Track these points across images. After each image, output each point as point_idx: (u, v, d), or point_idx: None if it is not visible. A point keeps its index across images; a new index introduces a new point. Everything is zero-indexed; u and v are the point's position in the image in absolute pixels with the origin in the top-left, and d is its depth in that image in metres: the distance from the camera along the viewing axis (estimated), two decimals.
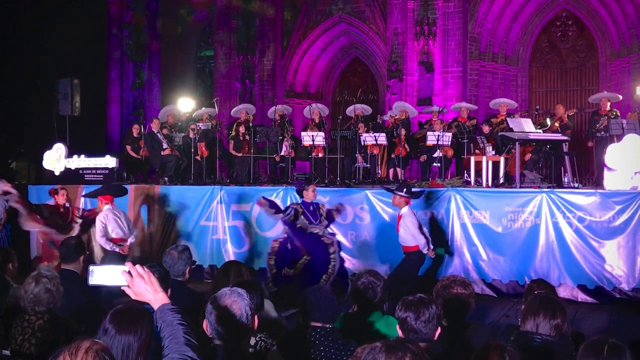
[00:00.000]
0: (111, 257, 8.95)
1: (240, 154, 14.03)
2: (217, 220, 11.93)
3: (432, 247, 8.92)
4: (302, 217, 9.11)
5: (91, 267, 2.75)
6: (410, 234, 8.65)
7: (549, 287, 4.97)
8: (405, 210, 8.75)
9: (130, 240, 9.34)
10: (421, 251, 8.72)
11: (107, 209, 9.25)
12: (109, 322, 2.98)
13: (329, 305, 3.87)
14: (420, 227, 8.80)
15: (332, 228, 9.89)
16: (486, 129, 12.93)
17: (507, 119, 12.69)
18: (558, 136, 11.93)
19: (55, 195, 10.34)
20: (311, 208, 9.22)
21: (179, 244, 5.37)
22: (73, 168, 13.28)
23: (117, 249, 9.03)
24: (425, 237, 8.79)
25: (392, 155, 13.47)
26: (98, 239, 9.18)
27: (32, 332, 3.92)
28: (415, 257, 8.77)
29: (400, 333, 3.46)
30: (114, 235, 9.10)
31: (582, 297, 9.70)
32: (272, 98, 19.11)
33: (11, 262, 5.83)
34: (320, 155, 13.63)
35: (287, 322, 5.29)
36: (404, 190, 8.78)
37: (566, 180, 11.30)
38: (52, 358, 2.31)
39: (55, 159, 13.33)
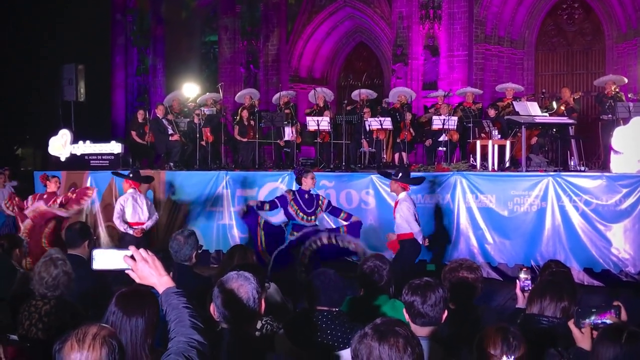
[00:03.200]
0: (124, 239, 9.49)
1: (245, 139, 14.02)
2: (223, 206, 11.96)
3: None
4: (292, 202, 8.70)
5: (94, 252, 2.74)
6: (405, 221, 8.28)
7: (566, 268, 4.95)
8: (402, 195, 8.40)
9: (148, 224, 9.68)
10: (416, 239, 8.35)
11: (130, 192, 9.61)
12: (115, 305, 2.99)
13: (334, 289, 3.86)
14: (415, 216, 8.42)
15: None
16: (492, 112, 12.87)
17: (513, 102, 12.62)
18: (564, 119, 11.86)
19: (47, 182, 10.27)
20: (306, 196, 8.74)
21: (185, 229, 5.36)
22: (79, 154, 13.30)
23: (130, 231, 9.40)
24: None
25: (398, 140, 13.43)
26: (114, 220, 9.54)
27: (39, 317, 3.94)
28: (409, 244, 8.38)
29: (407, 317, 3.46)
30: (129, 219, 9.45)
31: (588, 280, 9.70)
32: (277, 83, 19.04)
33: (18, 248, 5.85)
34: (325, 140, 13.60)
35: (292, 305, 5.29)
36: (400, 175, 8.47)
37: (572, 163, 11.27)
38: (59, 343, 2.30)
39: (61, 145, 13.35)
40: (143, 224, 9.58)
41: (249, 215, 8.98)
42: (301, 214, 8.68)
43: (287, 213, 8.76)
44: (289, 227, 8.72)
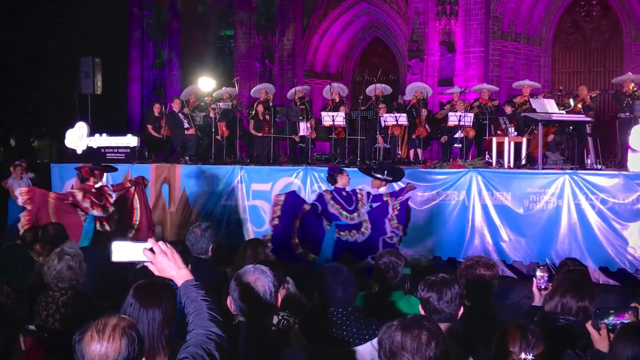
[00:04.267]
0: None
1: (260, 134, 14.03)
2: (238, 200, 11.98)
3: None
4: (331, 202, 8.29)
5: (113, 244, 2.75)
6: None
7: (583, 266, 4.93)
8: (382, 190, 8.31)
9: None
10: None
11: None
12: (132, 296, 3.00)
13: (346, 288, 3.80)
14: None
15: None
16: (508, 109, 12.80)
17: (530, 99, 12.54)
18: (581, 117, 11.77)
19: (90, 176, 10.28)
20: (344, 194, 8.30)
21: (202, 222, 5.37)
22: (95, 147, 13.37)
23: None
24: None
25: (413, 136, 13.40)
26: None
27: (56, 308, 3.96)
28: None
29: (422, 313, 3.44)
30: None
31: (603, 279, 9.64)
32: (292, 78, 19.05)
33: (39, 242, 5.89)
34: (340, 135, 13.59)
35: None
36: (385, 172, 8.37)
37: (589, 161, 11.19)
38: (79, 334, 2.31)
39: (78, 137, 13.42)
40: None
41: (290, 205, 8.44)
42: (345, 212, 8.21)
43: (328, 214, 8.22)
44: (332, 228, 8.15)
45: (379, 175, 8.39)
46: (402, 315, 4.09)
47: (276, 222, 8.40)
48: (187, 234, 5.16)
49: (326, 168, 10.97)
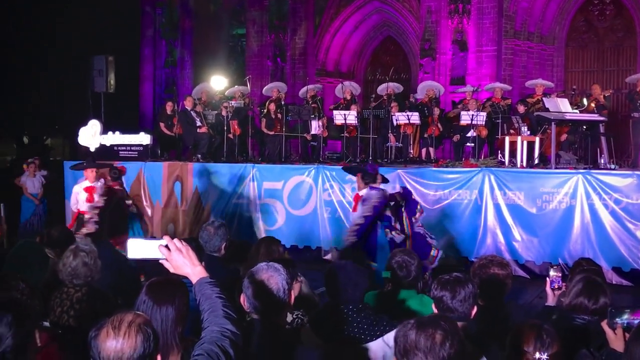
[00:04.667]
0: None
1: (272, 132, 14.05)
2: (249, 198, 12.00)
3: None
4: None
5: (129, 241, 2.76)
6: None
7: (597, 266, 4.91)
8: (364, 192, 8.10)
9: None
10: None
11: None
12: (145, 294, 3.01)
13: (356, 285, 3.82)
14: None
15: None
16: (521, 108, 12.76)
17: (543, 98, 12.49)
18: (595, 117, 11.71)
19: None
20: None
21: (215, 220, 5.39)
22: (108, 144, 13.42)
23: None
24: None
25: (425, 135, 13.37)
26: (71, 206, 9.77)
27: (70, 304, 3.98)
28: None
29: (435, 312, 3.44)
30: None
31: (617, 279, 9.59)
32: (304, 77, 19.03)
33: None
34: (352, 134, 13.59)
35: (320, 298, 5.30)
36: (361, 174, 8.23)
37: (602, 161, 11.13)
38: (95, 330, 2.33)
39: (91, 135, 13.48)
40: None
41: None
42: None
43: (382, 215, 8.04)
44: (382, 229, 7.98)
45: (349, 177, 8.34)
46: (415, 314, 4.11)
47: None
48: (200, 232, 5.18)
49: (338, 167, 11.08)
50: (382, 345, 3.58)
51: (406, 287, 4.49)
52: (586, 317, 3.34)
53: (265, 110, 14.54)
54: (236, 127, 13.91)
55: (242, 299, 3.35)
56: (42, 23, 22.26)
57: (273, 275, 3.30)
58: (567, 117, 11.13)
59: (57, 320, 3.96)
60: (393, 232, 7.99)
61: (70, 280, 4.13)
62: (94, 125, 13.56)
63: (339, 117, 13.33)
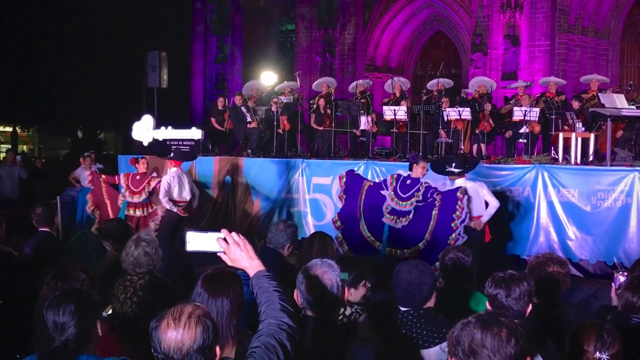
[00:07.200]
0: (170, 216, 9.89)
1: (321, 128, 14.07)
2: (299, 193, 12.06)
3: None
4: (392, 185, 8.79)
5: (187, 234, 2.80)
6: (476, 203, 8.59)
7: None
8: (460, 181, 8.73)
9: (193, 203, 10.28)
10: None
11: (174, 171, 10.07)
12: (200, 286, 3.05)
13: (412, 291, 3.62)
14: None
15: None
16: (576, 104, 12.49)
17: (599, 94, 12.21)
18: None
19: (137, 164, 10.74)
20: (407, 182, 8.73)
21: (287, 221, 5.59)
22: (160, 139, 13.63)
23: (175, 209, 9.84)
24: None
25: (477, 131, 13.21)
26: (160, 197, 9.94)
27: (133, 291, 4.10)
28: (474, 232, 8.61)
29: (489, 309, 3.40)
30: (175, 197, 9.90)
31: None
32: (353, 72, 19.02)
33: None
34: (402, 130, 13.51)
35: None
36: (453, 165, 8.77)
37: None
38: (155, 321, 2.38)
39: (144, 130, 13.70)
40: (186, 202, 10.06)
41: (353, 180, 9.20)
42: (396, 198, 8.73)
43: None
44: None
45: (449, 169, 8.72)
46: (468, 312, 4.05)
47: (343, 200, 9.14)
48: (270, 226, 5.33)
49: (387, 162, 11.15)
50: (438, 353, 3.52)
51: (460, 285, 4.45)
52: None
53: (314, 106, 14.57)
54: (286, 122, 13.97)
55: (296, 294, 3.37)
56: (98, 21, 22.78)
57: (327, 271, 3.31)
58: (624, 113, 10.86)
59: (120, 306, 4.07)
60: (391, 217, 8.70)
61: (133, 270, 4.24)
62: (147, 120, 13.78)
63: (388, 112, 13.27)
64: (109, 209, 10.61)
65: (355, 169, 11.37)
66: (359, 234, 8.92)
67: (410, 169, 8.99)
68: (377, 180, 9.73)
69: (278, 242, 5.21)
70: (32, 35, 23.32)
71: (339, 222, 9.13)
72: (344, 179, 9.29)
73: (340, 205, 9.46)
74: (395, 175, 9.00)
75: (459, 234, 8.27)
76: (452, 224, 8.29)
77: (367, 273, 4.20)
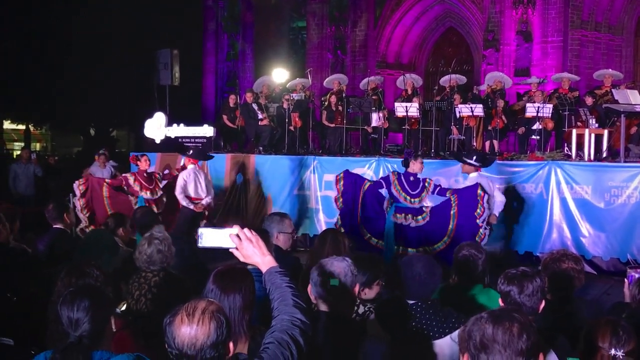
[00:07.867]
0: (185, 213, 9.96)
1: (332, 125, 14.07)
2: (310, 190, 12.08)
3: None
4: (395, 183, 8.85)
5: (200, 230, 2.81)
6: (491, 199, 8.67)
7: None
8: (474, 175, 8.76)
9: (207, 200, 10.21)
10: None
11: (191, 168, 10.15)
12: (212, 282, 3.04)
13: (424, 282, 3.71)
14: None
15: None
16: (589, 100, 12.41)
17: (612, 90, 12.13)
18: None
19: (138, 162, 10.75)
20: (411, 179, 8.79)
21: (281, 212, 5.53)
22: (172, 136, 13.69)
23: (191, 206, 9.93)
24: None
25: (489, 127, 13.16)
26: (177, 194, 9.99)
27: (148, 288, 4.12)
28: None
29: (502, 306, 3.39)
30: (191, 193, 9.97)
31: None
32: (364, 69, 18.98)
33: (122, 227, 6.11)
34: (414, 126, 13.48)
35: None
36: (474, 158, 8.81)
37: None
38: (170, 317, 2.39)
39: (156, 127, 13.77)
40: (202, 199, 10.09)
41: (351, 181, 9.22)
42: (404, 194, 8.76)
43: (390, 194, 8.86)
44: (392, 208, 8.79)
45: (469, 160, 8.76)
46: (481, 309, 4.04)
47: (340, 203, 9.21)
48: (265, 220, 5.29)
49: (400, 159, 11.10)
50: (449, 344, 3.53)
51: (473, 281, 4.43)
52: None
53: (326, 103, 14.58)
54: (297, 119, 13.98)
55: (309, 289, 3.38)
56: (109, 19, 22.85)
57: (341, 268, 3.32)
58: (637, 109, 10.78)
59: (135, 303, 4.09)
60: (400, 215, 8.76)
61: (147, 267, 4.25)
62: (160, 118, 13.84)
63: (400, 109, 13.25)
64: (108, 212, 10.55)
65: (367, 166, 11.38)
66: (359, 234, 8.89)
67: (407, 165, 8.92)
68: (376, 179, 9.70)
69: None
70: (45, 34, 23.44)
71: (340, 223, 9.14)
72: (341, 182, 9.29)
73: (336, 208, 9.44)
74: (395, 173, 9.06)
75: (485, 229, 8.36)
76: (477, 222, 8.32)
77: (381, 272, 4.20)
